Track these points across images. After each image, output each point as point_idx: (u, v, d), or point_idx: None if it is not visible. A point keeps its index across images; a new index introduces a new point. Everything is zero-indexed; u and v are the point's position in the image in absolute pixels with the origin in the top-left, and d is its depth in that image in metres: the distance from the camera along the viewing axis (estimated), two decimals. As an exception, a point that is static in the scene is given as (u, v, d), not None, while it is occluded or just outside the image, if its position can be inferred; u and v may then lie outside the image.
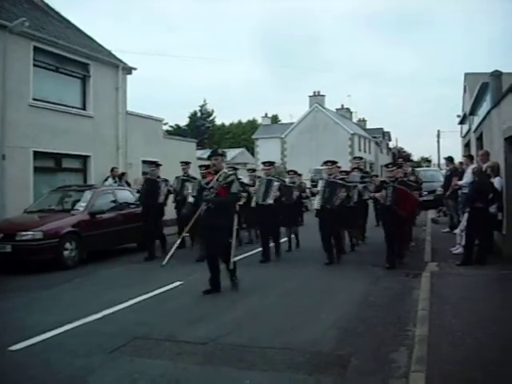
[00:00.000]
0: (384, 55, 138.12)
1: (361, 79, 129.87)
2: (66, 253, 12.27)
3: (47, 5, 21.61)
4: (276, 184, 13.06)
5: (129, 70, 21.91)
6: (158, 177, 14.33)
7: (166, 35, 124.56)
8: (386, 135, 76.60)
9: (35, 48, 17.33)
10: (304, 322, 7.34)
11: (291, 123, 60.98)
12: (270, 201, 12.87)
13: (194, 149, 27.18)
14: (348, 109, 68.44)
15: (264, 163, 14.22)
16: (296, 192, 14.65)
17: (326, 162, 12.53)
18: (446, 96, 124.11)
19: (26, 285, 9.20)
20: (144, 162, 21.66)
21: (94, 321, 7.49)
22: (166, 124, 53.81)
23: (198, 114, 72.89)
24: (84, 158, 19.31)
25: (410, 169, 16.32)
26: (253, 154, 62.15)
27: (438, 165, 50.53)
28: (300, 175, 16.86)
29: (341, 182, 12.13)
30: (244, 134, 72.18)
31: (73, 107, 19.14)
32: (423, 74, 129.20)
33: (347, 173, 14.02)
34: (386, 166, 12.16)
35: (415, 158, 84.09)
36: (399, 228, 11.36)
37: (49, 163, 17.94)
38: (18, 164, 16.06)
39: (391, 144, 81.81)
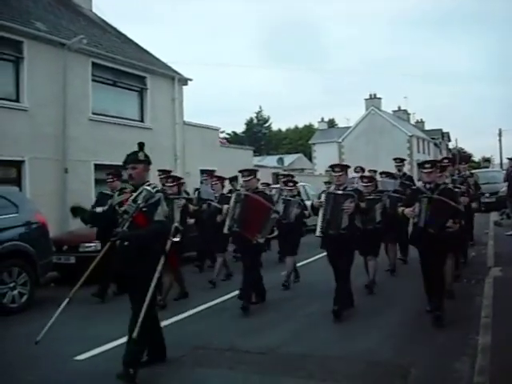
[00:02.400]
0: (437, 54, 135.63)
1: (416, 79, 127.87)
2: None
3: (104, 21, 22.27)
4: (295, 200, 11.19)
5: (184, 80, 22.27)
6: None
7: (219, 43, 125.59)
8: (445, 136, 74.97)
9: (93, 64, 17.87)
10: (361, 330, 7.27)
11: (348, 127, 60.53)
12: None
13: (250, 156, 27.34)
14: (405, 110, 67.32)
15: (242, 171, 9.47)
16: (296, 209, 10.98)
17: (332, 167, 8.56)
18: (507, 93, 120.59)
19: (88, 296, 9.41)
20: (202, 171, 21.91)
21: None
22: (222, 132, 54.33)
23: (255, 121, 73.25)
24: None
25: (467, 172, 13.03)
26: (310, 159, 61.98)
27: (500, 165, 49.07)
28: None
29: (348, 192, 8.22)
30: (301, 139, 72.01)
31: (131, 120, 19.63)
32: (480, 71, 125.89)
33: (369, 179, 10.35)
34: (421, 165, 7.85)
35: (476, 158, 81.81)
36: (443, 257, 7.80)
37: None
38: (79, 177, 16.52)
39: (451, 145, 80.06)
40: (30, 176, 15.20)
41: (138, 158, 6.06)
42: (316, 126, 70.40)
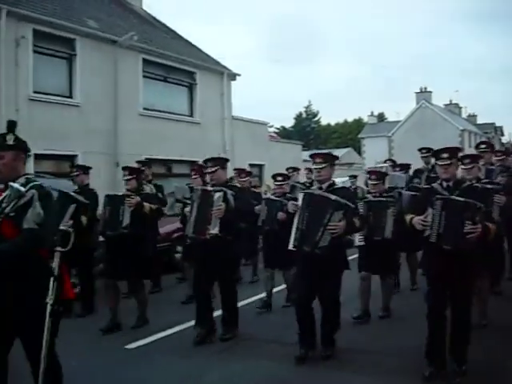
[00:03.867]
0: (486, 47, 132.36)
1: (467, 73, 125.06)
2: (177, 256, 12.66)
3: (153, 17, 22.66)
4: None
5: (233, 75, 22.43)
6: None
7: (265, 38, 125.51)
8: (498, 130, 73.12)
9: (144, 60, 18.24)
10: (409, 327, 7.11)
11: (398, 121, 59.67)
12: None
13: (299, 151, 27.31)
14: (457, 104, 65.83)
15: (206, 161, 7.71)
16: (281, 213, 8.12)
17: (313, 157, 6.18)
18: None
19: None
20: (251, 165, 22.02)
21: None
22: (271, 127, 54.32)
23: (304, 115, 73.04)
24: (192, 163, 19.90)
25: None
26: (359, 153, 61.45)
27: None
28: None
29: (331, 197, 5.72)
30: (350, 134, 71.44)
31: (180, 114, 19.92)
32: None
33: (378, 176, 7.99)
34: (437, 155, 5.56)
35: (531, 152, 79.24)
36: (468, 290, 5.34)
37: (159, 169, 18.66)
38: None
39: (504, 139, 78.01)
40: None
41: (4, 143, 4.11)
42: (366, 120, 69.80)
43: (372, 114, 67.26)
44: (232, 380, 5.51)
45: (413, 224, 5.28)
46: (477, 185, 5.89)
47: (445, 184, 5.35)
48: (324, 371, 5.63)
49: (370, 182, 7.89)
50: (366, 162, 51.95)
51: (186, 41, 22.46)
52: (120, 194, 7.64)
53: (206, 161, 7.18)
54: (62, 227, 6.29)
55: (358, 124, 73.88)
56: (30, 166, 14.16)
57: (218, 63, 22.12)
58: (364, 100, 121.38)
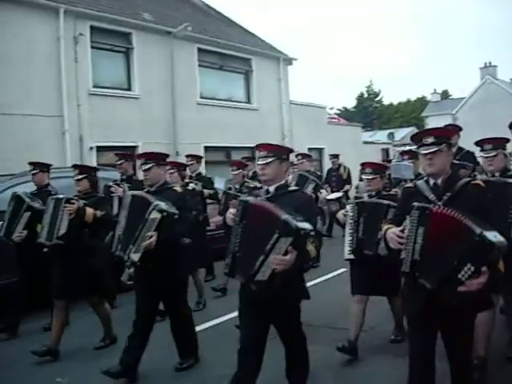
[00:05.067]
0: None
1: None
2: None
3: (207, 5, 22.92)
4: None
5: (289, 60, 22.40)
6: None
7: (325, 17, 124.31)
8: None
9: (199, 49, 18.49)
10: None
11: (462, 98, 58.06)
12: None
13: (359, 133, 27.07)
14: (525, 78, 63.57)
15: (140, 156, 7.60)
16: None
17: (256, 148, 4.44)
18: None
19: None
20: (310, 149, 22.03)
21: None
22: (332, 108, 53.87)
23: (365, 95, 72.02)
24: (251, 150, 20.09)
25: None
26: (424, 132, 60.09)
27: None
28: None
29: (282, 216, 3.79)
30: (413, 112, 69.84)
31: (238, 101, 20.13)
32: None
33: (376, 168, 5.99)
34: (414, 138, 4.03)
35: None
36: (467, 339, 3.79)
37: (219, 157, 18.91)
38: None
39: None
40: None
41: None
42: (429, 98, 68.21)
43: (435, 92, 65.60)
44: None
45: (387, 240, 3.80)
46: (477, 182, 3.87)
47: (431, 182, 3.76)
48: (376, 357, 5.60)
49: (363, 176, 6.04)
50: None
51: (241, 27, 22.59)
52: (61, 196, 6.32)
53: (139, 155, 5.90)
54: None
55: (421, 102, 72.17)
56: (93, 159, 14.71)
57: (273, 48, 22.15)
58: (427, 77, 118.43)
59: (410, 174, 7.37)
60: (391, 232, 3.69)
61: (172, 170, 7.82)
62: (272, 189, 4.30)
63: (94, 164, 13.89)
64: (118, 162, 8.31)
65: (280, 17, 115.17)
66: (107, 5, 16.17)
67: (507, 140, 5.21)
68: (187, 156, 9.81)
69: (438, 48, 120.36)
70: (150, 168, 5.39)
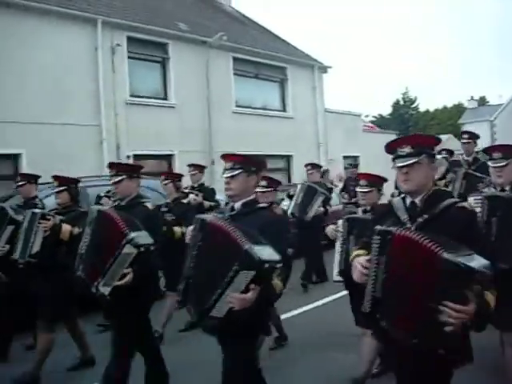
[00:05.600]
0: None
1: None
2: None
3: (243, 14, 23.12)
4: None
5: (324, 68, 22.41)
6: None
7: (358, 25, 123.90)
8: None
9: (234, 58, 18.65)
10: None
11: (500, 104, 57.19)
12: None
13: (395, 140, 26.89)
14: None
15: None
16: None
17: (223, 159, 3.93)
18: None
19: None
20: (345, 157, 21.97)
21: (293, 316, 7.76)
22: (367, 116, 53.49)
23: (401, 102, 71.47)
24: (287, 158, 20.13)
25: None
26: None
27: None
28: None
29: (245, 245, 3.15)
30: (450, 120, 69.02)
31: (273, 110, 20.19)
32: None
33: (369, 180, 5.50)
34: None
35: None
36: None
37: (255, 165, 18.94)
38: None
39: None
40: (180, 168, 16.10)
41: None
42: (465, 104, 67.39)
43: (472, 99, 64.81)
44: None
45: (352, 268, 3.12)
46: (463, 205, 3.09)
47: (408, 201, 3.10)
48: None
49: (358, 189, 5.52)
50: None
51: (276, 36, 22.70)
52: (37, 211, 5.89)
53: (110, 164, 5.24)
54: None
55: (458, 109, 71.35)
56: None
57: (308, 57, 22.17)
58: (464, 84, 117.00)
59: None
60: (357, 261, 2.99)
61: (166, 181, 7.54)
62: (238, 205, 3.76)
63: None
64: (19, 183, 6.91)
65: (303, 19, 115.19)
66: (143, 15, 16.40)
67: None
68: (189, 165, 9.34)
69: (475, 53, 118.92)
70: (120, 181, 4.88)
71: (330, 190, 10.51)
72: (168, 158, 16.28)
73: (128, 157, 15.06)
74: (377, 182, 5.47)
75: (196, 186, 9.01)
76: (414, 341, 2.62)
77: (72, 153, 13.37)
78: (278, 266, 3.20)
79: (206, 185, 9.41)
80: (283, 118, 20.27)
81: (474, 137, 7.99)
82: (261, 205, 3.89)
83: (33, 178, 6.92)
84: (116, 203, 5.02)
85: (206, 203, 8.66)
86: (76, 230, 5.49)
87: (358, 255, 3.12)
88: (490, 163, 4.49)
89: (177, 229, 7.00)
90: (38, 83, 13.31)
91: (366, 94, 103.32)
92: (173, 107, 16.56)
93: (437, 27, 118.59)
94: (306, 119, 21.00)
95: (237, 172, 3.69)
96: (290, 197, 9.86)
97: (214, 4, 22.29)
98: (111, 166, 5.07)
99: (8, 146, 12.80)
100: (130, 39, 15.63)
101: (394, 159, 3.10)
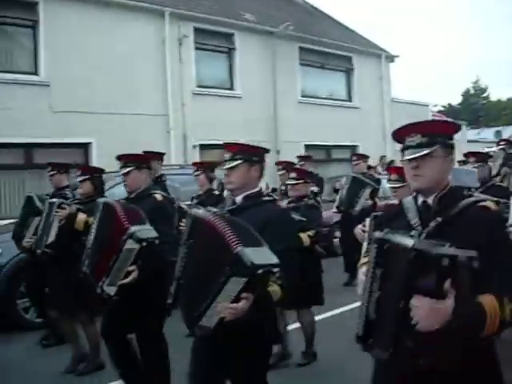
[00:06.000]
0: None
1: None
2: (335, 241, 12.71)
3: (309, 3, 23.00)
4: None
5: (391, 58, 22.02)
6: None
7: (431, 11, 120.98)
8: None
9: (300, 48, 18.54)
10: None
11: None
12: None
13: (464, 131, 26.20)
14: None
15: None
16: None
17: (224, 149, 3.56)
18: None
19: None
20: (412, 147, 21.60)
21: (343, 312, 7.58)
22: (435, 106, 52.20)
23: (471, 92, 69.52)
24: (352, 148, 19.89)
25: None
26: (535, 131, 57.45)
27: None
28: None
29: (235, 248, 2.72)
30: (523, 109, 66.83)
31: (339, 100, 20.01)
32: None
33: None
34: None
35: None
36: None
37: (319, 155, 18.80)
38: (291, 157, 17.18)
39: None
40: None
41: None
42: (541, 94, 65.11)
43: (547, 88, 62.55)
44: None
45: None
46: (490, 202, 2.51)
47: (420, 200, 2.57)
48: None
49: (389, 184, 5.31)
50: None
51: (342, 25, 22.46)
52: (54, 200, 5.77)
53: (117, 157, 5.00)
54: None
55: (532, 99, 68.90)
56: (196, 156, 15.05)
57: (375, 46, 21.83)
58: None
59: (474, 181, 5.95)
60: (361, 272, 2.57)
61: (198, 172, 7.28)
62: (239, 199, 3.42)
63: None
64: (50, 173, 6.85)
65: (369, 9, 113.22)
66: (210, 6, 16.52)
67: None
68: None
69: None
70: (129, 172, 4.68)
71: (379, 181, 9.70)
72: (234, 147, 16.42)
73: (194, 146, 15.24)
74: (484, 158, 5.50)
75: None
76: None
77: (140, 142, 13.51)
78: (276, 270, 2.76)
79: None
80: (349, 108, 20.04)
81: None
82: (265, 198, 3.53)
83: (63, 168, 6.83)
84: (125, 197, 4.80)
85: None
86: (91, 220, 5.03)
87: (362, 265, 2.75)
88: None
89: None
90: (108, 74, 13.64)
91: (436, 84, 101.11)
92: (239, 97, 16.64)
93: (507, 15, 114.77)
94: (372, 109, 20.69)
95: (237, 163, 3.36)
96: (336, 190, 9.70)
97: (280, -7, 22.24)
98: (119, 157, 4.88)
99: (78, 135, 13.19)
100: (196, 30, 15.79)
101: (402, 150, 2.59)
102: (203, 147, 15.29)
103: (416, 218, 2.52)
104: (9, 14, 12.82)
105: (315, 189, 8.38)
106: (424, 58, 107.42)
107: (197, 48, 15.90)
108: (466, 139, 24.15)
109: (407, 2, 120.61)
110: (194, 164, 7.77)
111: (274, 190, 9.40)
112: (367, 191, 8.72)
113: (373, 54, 21.26)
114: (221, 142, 12.26)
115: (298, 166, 7.21)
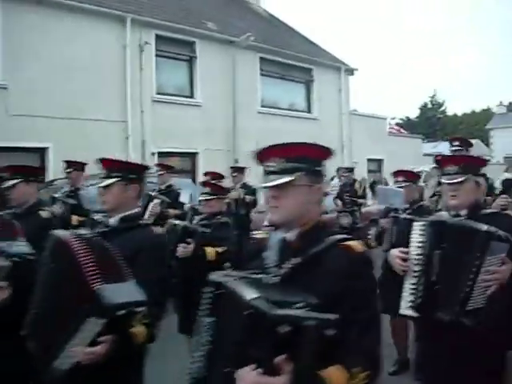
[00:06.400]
0: None
1: None
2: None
3: (271, 15, 23.23)
4: None
5: (351, 71, 22.34)
6: None
7: (386, 29, 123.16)
8: None
9: (261, 58, 18.69)
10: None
11: (530, 111, 56.51)
12: None
13: (419, 144, 26.72)
14: None
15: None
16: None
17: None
18: None
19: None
20: (369, 160, 21.91)
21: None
22: (393, 118, 53.04)
23: (429, 105, 70.84)
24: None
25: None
26: (487, 145, 58.72)
27: None
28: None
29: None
30: (477, 124, 68.20)
31: (298, 111, 20.21)
32: None
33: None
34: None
35: None
36: None
37: (278, 165, 18.95)
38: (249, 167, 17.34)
39: None
40: (204, 166, 16.23)
41: None
42: (494, 110, 66.55)
43: (501, 104, 64.00)
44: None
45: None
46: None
47: (279, 236, 2.23)
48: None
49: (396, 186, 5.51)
50: (495, 155, 49.88)
51: (303, 37, 22.72)
52: None
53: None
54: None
55: (486, 114, 70.61)
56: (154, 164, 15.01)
57: (335, 58, 22.13)
58: (494, 88, 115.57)
59: (401, 201, 5.55)
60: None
61: (161, 172, 8.22)
62: (113, 221, 3.14)
63: (155, 169, 14.24)
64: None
65: (330, 20, 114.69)
66: (172, 14, 16.53)
67: None
68: (157, 165, 9.34)
69: (504, 57, 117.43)
70: (15, 184, 4.30)
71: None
72: (192, 156, 16.40)
73: (153, 154, 15.20)
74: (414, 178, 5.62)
75: (163, 188, 8.86)
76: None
77: (98, 148, 13.40)
78: (141, 309, 2.50)
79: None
80: (308, 119, 20.25)
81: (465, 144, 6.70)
82: (143, 221, 3.31)
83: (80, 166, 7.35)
84: (10, 211, 4.25)
85: (171, 212, 8.15)
86: None
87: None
88: (443, 179, 3.46)
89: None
90: (67, 79, 13.46)
91: (394, 97, 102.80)
92: (199, 105, 16.65)
93: (464, 30, 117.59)
94: (330, 121, 20.95)
95: (112, 181, 3.14)
96: None
97: (242, 4, 22.35)
98: (7, 168, 4.47)
99: (35, 139, 13.02)
100: (158, 37, 15.76)
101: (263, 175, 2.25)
102: (162, 154, 15.26)
103: (274, 257, 2.16)
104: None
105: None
106: (383, 71, 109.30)
107: (158, 55, 15.87)
108: (423, 152, 24.63)
109: (366, 16, 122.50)
110: (158, 165, 8.48)
111: None
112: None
113: (332, 67, 21.53)
114: (180, 150, 12.43)
115: (207, 180, 7.07)
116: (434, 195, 6.53)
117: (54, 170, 12.87)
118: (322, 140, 12.12)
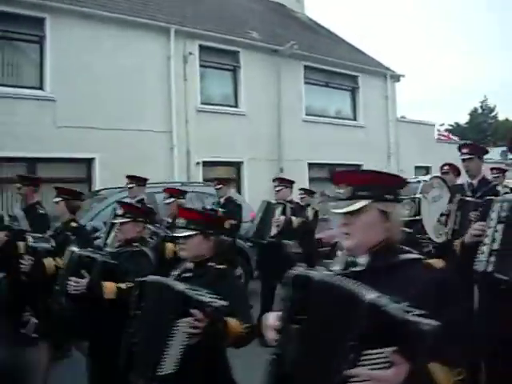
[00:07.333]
0: None
1: None
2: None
3: (316, 23, 23.14)
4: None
5: (397, 77, 22.04)
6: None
7: (433, 32, 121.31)
8: None
9: (305, 67, 18.58)
10: None
11: None
12: None
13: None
14: None
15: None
16: None
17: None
18: None
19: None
20: (417, 167, 21.50)
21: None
22: (442, 125, 52.12)
23: (479, 111, 69.48)
24: (356, 167, 19.86)
25: None
26: (541, 151, 57.22)
27: None
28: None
29: None
30: (530, 129, 66.72)
31: (344, 118, 20.02)
32: None
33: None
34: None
35: None
36: None
37: (323, 173, 18.79)
38: (294, 175, 16.96)
39: None
40: (249, 176, 16.25)
41: None
42: (549, 116, 64.91)
43: (555, 109, 62.46)
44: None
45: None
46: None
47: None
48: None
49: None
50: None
51: (348, 44, 22.53)
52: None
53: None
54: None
55: (541, 118, 68.77)
56: (199, 173, 15.07)
57: (380, 65, 21.86)
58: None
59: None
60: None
61: (219, 186, 8.61)
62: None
63: (200, 179, 14.30)
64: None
65: (376, 28, 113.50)
66: (216, 24, 16.60)
67: None
68: (274, 180, 8.49)
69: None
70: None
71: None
72: (237, 165, 16.39)
73: (197, 163, 15.26)
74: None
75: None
76: None
77: (144, 158, 13.63)
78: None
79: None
80: (354, 126, 20.05)
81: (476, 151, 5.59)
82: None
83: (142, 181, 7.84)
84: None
85: (295, 220, 7.82)
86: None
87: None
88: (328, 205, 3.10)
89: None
90: (113, 90, 13.69)
91: (443, 103, 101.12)
92: (243, 115, 16.66)
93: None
94: (377, 128, 20.69)
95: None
96: None
97: (286, 12, 22.35)
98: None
99: (82, 150, 13.21)
100: (202, 48, 15.87)
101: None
102: (206, 164, 15.32)
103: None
104: (16, 29, 12.93)
105: (232, 221, 8.03)
106: (431, 77, 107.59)
107: (202, 65, 15.97)
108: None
109: (414, 22, 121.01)
110: (128, 177, 7.96)
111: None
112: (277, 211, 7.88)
113: (378, 74, 21.30)
114: (224, 159, 12.44)
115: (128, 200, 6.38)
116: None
117: (100, 180, 13.05)
118: (369, 147, 12.09)
